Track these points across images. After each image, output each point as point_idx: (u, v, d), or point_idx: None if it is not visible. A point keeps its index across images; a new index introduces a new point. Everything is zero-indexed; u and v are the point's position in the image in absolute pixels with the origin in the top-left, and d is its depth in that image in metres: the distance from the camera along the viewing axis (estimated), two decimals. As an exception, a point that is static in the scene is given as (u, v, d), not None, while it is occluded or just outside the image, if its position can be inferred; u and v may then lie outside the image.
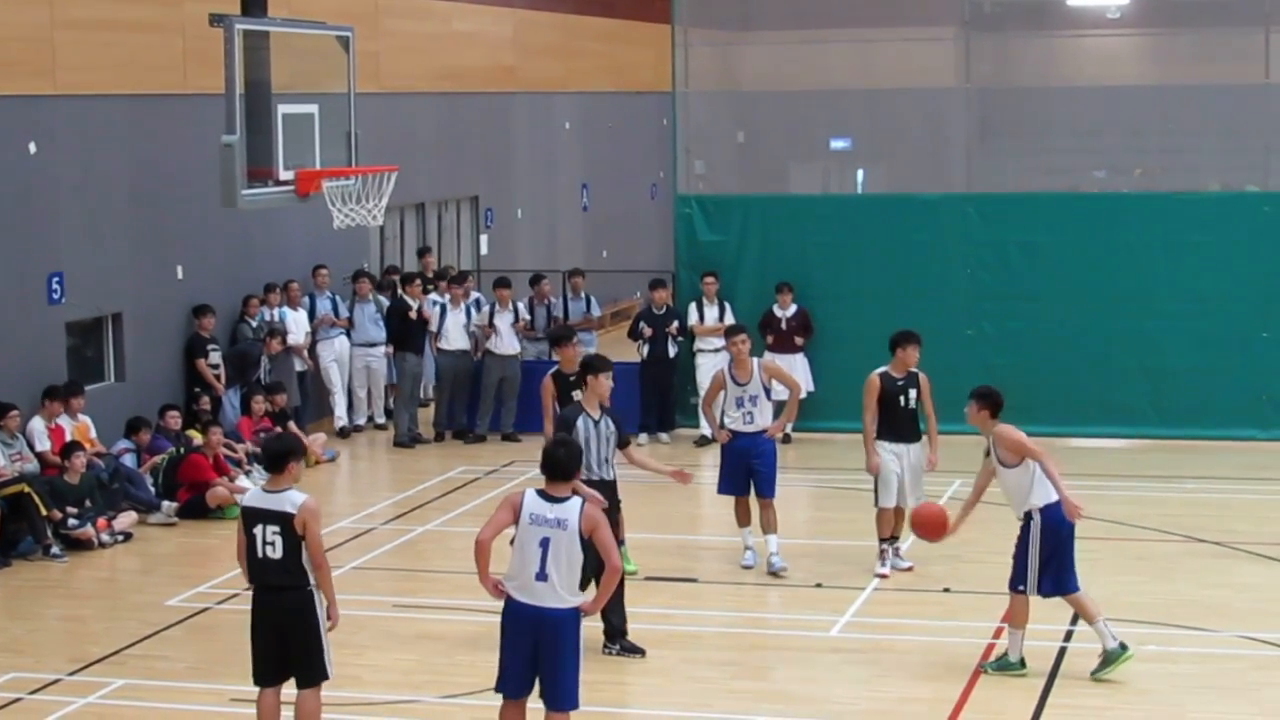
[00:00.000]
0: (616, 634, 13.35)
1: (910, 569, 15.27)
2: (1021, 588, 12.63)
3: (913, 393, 15.14)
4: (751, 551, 15.74)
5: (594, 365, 13.49)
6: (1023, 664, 12.69)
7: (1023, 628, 12.72)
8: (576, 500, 10.34)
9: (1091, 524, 17.07)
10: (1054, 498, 12.56)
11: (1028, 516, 12.59)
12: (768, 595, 15.22)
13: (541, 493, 10.35)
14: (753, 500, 15.67)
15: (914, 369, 15.26)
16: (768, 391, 15.55)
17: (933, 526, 13.44)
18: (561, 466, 10.34)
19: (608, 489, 13.35)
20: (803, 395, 15.84)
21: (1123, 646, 12.55)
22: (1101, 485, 18.85)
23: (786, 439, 17.90)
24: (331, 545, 16.73)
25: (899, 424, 15.17)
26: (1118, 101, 27.80)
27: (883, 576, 15.21)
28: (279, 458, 10.75)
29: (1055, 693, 12.41)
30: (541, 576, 10.22)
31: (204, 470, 18.33)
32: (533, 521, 10.25)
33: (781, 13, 26.51)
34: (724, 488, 15.77)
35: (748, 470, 15.53)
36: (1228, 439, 20.91)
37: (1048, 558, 12.51)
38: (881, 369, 15.25)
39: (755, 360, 15.65)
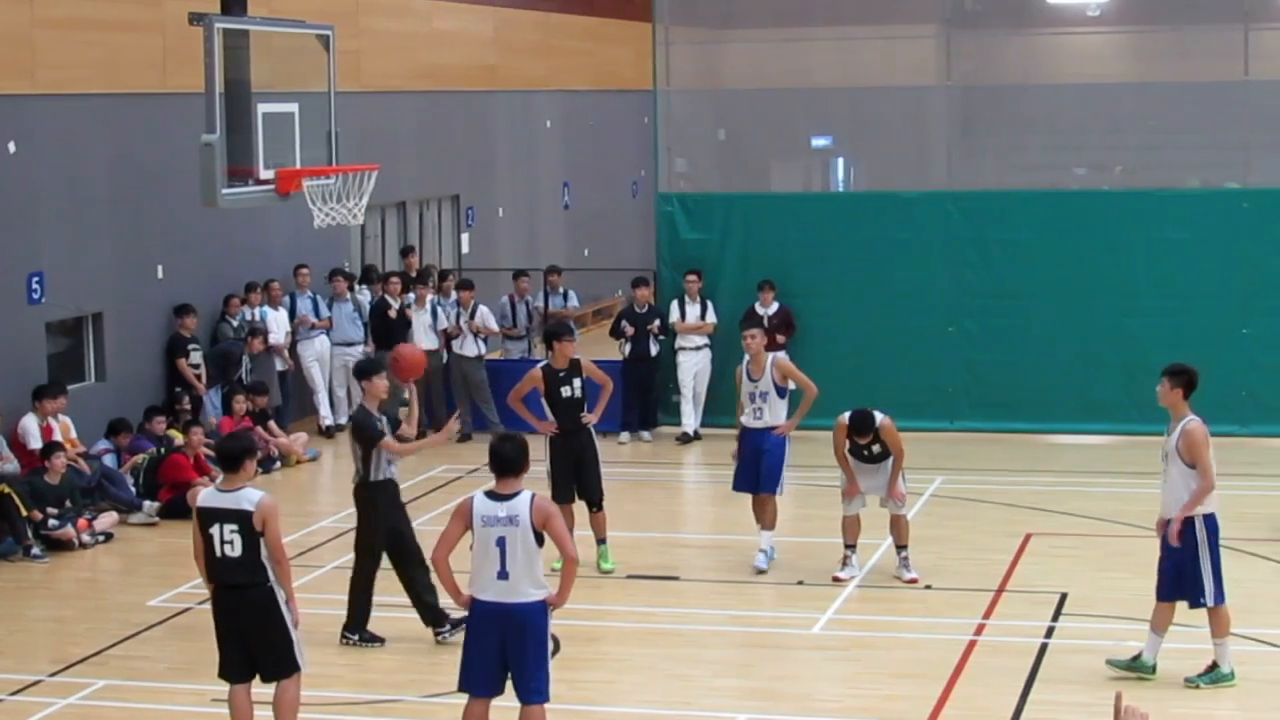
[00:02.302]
0: (356, 625, 13.62)
1: (914, 580, 15.04)
2: (1207, 600, 12.35)
3: (876, 448, 14.95)
4: (764, 555, 15.67)
5: (379, 366, 14.01)
6: (1232, 675, 12.42)
7: (1226, 636, 12.41)
8: (526, 494, 10.35)
9: (1073, 521, 17.19)
10: (1212, 509, 12.41)
11: (1187, 523, 12.35)
12: (749, 593, 15.19)
13: (490, 493, 10.37)
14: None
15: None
16: (779, 389, 15.55)
17: (409, 367, 13.92)
18: (511, 463, 10.35)
19: (391, 489, 13.57)
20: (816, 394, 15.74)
21: (1142, 662, 12.47)
22: (1083, 482, 18.88)
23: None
24: (313, 544, 16.75)
25: (865, 463, 15.11)
26: (1098, 99, 27.82)
27: (838, 580, 15.15)
28: (235, 457, 10.83)
29: (1037, 689, 12.40)
30: (503, 575, 10.26)
31: (185, 470, 18.30)
32: (485, 524, 10.27)
33: (763, 11, 26.48)
34: (736, 484, 15.83)
35: (757, 467, 15.57)
36: (1209, 435, 20.85)
37: (1217, 561, 12.36)
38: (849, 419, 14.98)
39: (770, 357, 15.66)
